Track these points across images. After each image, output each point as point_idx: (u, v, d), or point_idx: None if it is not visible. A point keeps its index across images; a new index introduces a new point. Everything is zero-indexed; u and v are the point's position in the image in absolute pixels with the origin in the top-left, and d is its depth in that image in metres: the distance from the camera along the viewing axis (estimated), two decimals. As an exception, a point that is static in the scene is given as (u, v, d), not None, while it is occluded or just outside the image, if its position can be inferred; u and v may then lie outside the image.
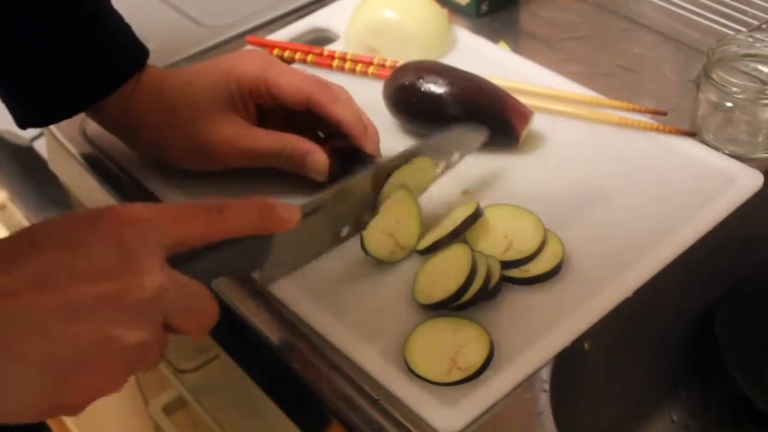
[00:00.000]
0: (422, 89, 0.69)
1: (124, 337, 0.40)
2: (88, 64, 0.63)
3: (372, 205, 0.62)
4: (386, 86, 0.72)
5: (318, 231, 0.59)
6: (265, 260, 0.54)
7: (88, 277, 0.40)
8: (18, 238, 0.41)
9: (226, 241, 0.48)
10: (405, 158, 0.62)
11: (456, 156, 0.66)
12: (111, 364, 0.41)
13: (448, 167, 0.66)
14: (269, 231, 0.51)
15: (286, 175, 0.66)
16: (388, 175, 0.61)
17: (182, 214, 0.45)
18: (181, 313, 0.44)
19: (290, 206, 0.51)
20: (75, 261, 0.40)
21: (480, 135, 0.67)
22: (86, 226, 0.42)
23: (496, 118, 0.69)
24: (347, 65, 0.80)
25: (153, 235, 0.43)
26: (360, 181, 0.60)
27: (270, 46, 0.83)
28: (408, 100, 0.70)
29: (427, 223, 0.63)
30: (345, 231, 0.62)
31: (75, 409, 0.41)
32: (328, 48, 0.82)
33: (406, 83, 0.70)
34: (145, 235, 0.43)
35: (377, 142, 0.66)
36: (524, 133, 0.69)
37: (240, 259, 0.52)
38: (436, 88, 0.69)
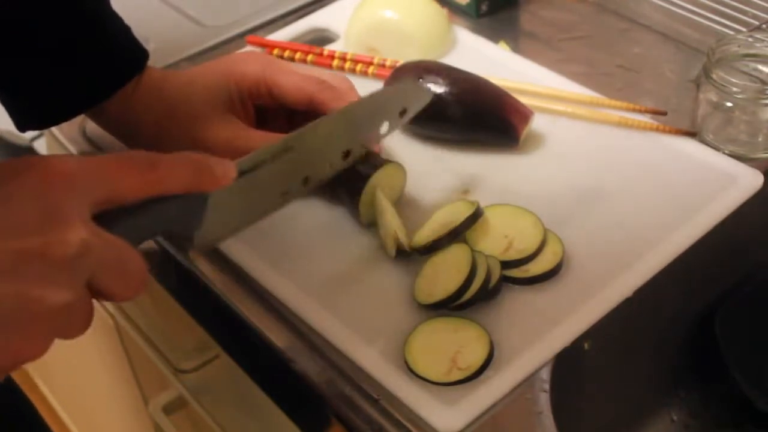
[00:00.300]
0: None
1: (48, 296, 0.38)
2: (87, 66, 0.63)
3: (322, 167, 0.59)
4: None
5: (257, 190, 0.55)
6: (200, 221, 0.50)
7: (8, 232, 0.38)
8: None
9: (158, 198, 0.45)
10: (349, 114, 0.60)
11: (403, 115, 0.63)
12: (34, 326, 0.38)
13: (393, 127, 0.63)
14: (204, 188, 0.47)
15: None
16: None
17: (111, 169, 0.42)
18: (107, 272, 0.41)
19: (226, 161, 0.48)
20: None
21: (424, 93, 0.64)
22: (7, 177, 0.39)
23: (496, 118, 0.69)
24: (347, 65, 0.80)
25: (80, 189, 0.41)
26: (303, 137, 0.57)
27: (270, 46, 0.83)
28: None
29: (423, 221, 0.63)
30: (289, 190, 0.58)
31: None
32: (328, 48, 0.82)
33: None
34: (71, 188, 0.40)
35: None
36: (524, 133, 0.69)
37: (173, 218, 0.48)
38: (436, 88, 0.69)
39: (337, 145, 0.60)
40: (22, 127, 0.65)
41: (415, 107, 0.64)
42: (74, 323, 0.41)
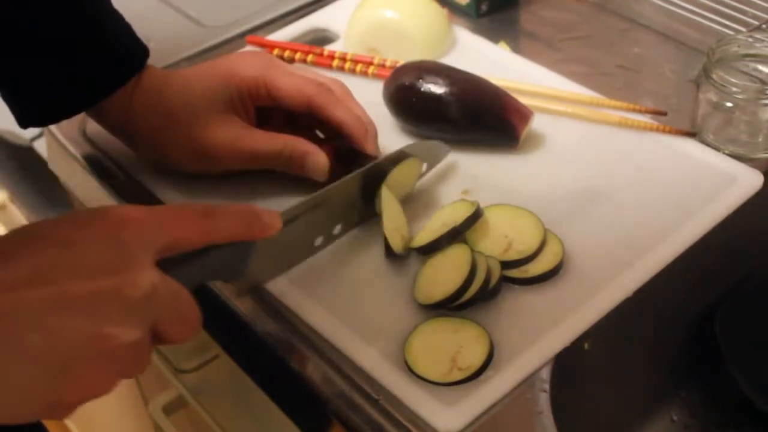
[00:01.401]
0: (422, 89, 0.69)
1: (120, 334, 0.40)
2: (88, 64, 0.63)
3: (359, 215, 0.63)
4: (386, 86, 0.72)
5: (294, 240, 0.59)
6: (244, 268, 0.55)
7: (84, 273, 0.40)
8: (14, 235, 0.42)
9: (210, 247, 0.48)
10: (390, 161, 0.63)
11: (424, 167, 0.67)
12: (106, 362, 0.40)
13: (418, 177, 0.67)
14: (254, 237, 0.51)
15: (286, 177, 0.66)
16: (376, 181, 0.62)
17: (175, 218, 0.46)
18: (170, 316, 0.44)
19: (273, 212, 0.52)
20: (71, 257, 0.40)
21: (444, 150, 0.68)
22: (83, 224, 0.42)
23: (496, 118, 0.69)
24: (347, 65, 0.80)
25: (148, 236, 0.43)
26: (338, 191, 0.61)
27: (270, 46, 0.83)
28: (408, 100, 0.70)
29: (424, 221, 0.63)
30: (319, 241, 0.62)
31: (66, 410, 0.41)
32: (328, 48, 0.82)
33: (406, 83, 0.70)
34: (140, 235, 0.43)
35: (377, 141, 0.66)
36: (524, 133, 0.69)
37: (222, 266, 0.52)
38: (436, 88, 0.69)
39: (362, 197, 0.63)
40: (23, 124, 0.65)
41: (436, 162, 0.68)
42: (140, 361, 0.42)
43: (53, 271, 0.40)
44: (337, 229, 0.63)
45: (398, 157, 0.64)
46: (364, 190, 0.63)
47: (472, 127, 0.70)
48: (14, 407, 0.39)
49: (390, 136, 0.71)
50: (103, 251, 0.41)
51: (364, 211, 0.64)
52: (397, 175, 0.63)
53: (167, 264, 0.44)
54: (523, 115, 0.69)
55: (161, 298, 0.43)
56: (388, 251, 0.61)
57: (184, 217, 0.46)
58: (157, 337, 0.44)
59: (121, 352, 0.41)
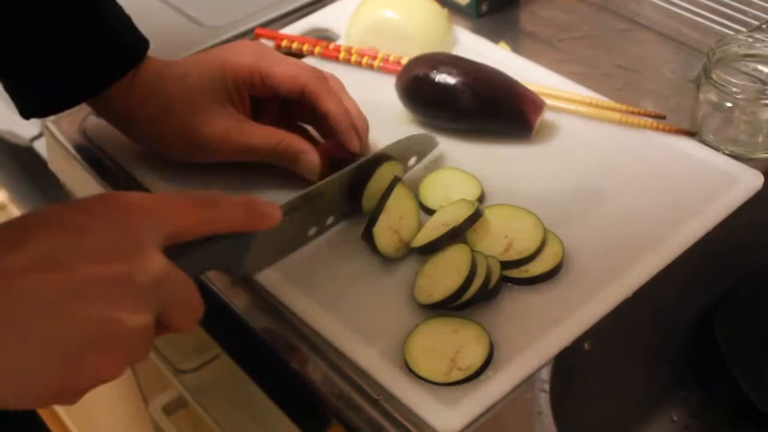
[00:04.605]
0: (436, 80, 0.69)
1: (129, 319, 0.41)
2: (89, 56, 0.64)
3: (344, 208, 0.64)
4: (399, 78, 0.72)
5: (290, 230, 0.61)
6: (243, 258, 0.55)
7: (95, 258, 0.40)
8: (19, 222, 0.42)
9: (211, 237, 0.49)
10: (372, 163, 0.64)
11: (413, 160, 0.68)
12: (115, 347, 0.41)
13: (406, 170, 0.68)
14: (254, 228, 0.52)
15: (278, 170, 0.66)
16: (362, 180, 0.64)
17: (179, 206, 0.46)
18: (175, 304, 0.44)
19: (273, 204, 0.52)
20: (82, 243, 0.41)
21: (432, 142, 0.69)
22: (91, 210, 0.43)
23: (510, 108, 0.69)
24: (353, 58, 0.80)
25: (154, 223, 0.44)
26: (332, 186, 0.62)
27: (279, 39, 0.83)
28: (421, 91, 0.70)
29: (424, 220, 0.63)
30: (312, 231, 0.63)
31: (75, 395, 0.41)
32: (328, 48, 0.82)
33: (420, 74, 0.70)
34: (147, 222, 0.43)
35: (365, 138, 0.66)
36: (537, 123, 0.69)
37: (222, 256, 0.52)
38: (450, 78, 0.69)
39: (349, 192, 0.64)
40: (25, 114, 0.66)
41: (425, 154, 0.69)
42: (143, 350, 0.43)
43: (64, 257, 0.40)
44: (330, 219, 0.64)
45: (380, 158, 0.65)
46: (351, 187, 0.64)
47: (485, 116, 0.70)
48: (23, 392, 0.39)
49: (402, 128, 0.71)
50: (113, 237, 0.42)
51: (352, 205, 0.65)
52: (379, 177, 0.64)
53: (169, 254, 0.45)
54: (536, 104, 0.69)
55: (169, 286, 0.43)
56: (375, 249, 0.61)
57: (187, 206, 0.46)
58: (161, 325, 0.44)
59: (131, 337, 0.41)
